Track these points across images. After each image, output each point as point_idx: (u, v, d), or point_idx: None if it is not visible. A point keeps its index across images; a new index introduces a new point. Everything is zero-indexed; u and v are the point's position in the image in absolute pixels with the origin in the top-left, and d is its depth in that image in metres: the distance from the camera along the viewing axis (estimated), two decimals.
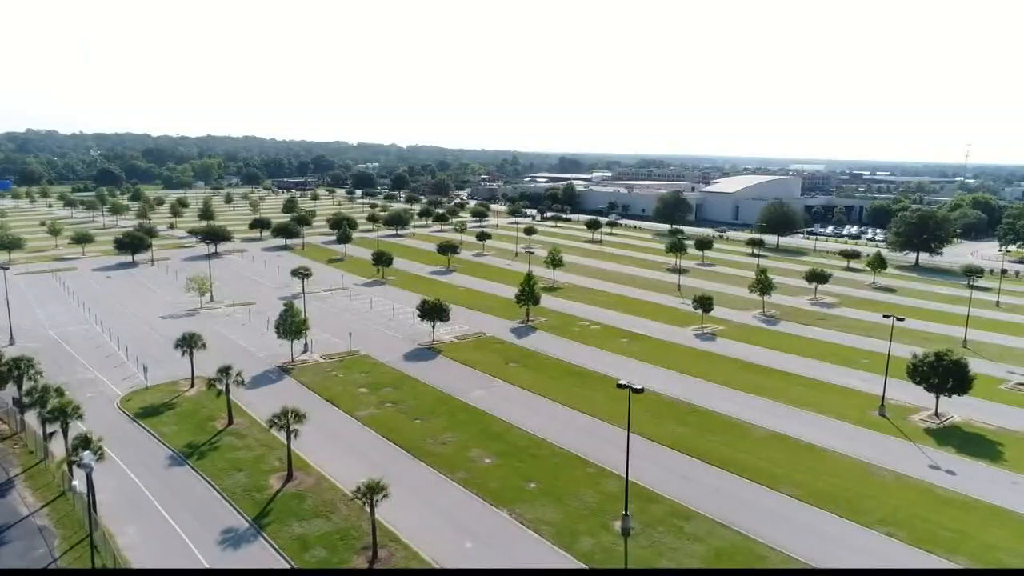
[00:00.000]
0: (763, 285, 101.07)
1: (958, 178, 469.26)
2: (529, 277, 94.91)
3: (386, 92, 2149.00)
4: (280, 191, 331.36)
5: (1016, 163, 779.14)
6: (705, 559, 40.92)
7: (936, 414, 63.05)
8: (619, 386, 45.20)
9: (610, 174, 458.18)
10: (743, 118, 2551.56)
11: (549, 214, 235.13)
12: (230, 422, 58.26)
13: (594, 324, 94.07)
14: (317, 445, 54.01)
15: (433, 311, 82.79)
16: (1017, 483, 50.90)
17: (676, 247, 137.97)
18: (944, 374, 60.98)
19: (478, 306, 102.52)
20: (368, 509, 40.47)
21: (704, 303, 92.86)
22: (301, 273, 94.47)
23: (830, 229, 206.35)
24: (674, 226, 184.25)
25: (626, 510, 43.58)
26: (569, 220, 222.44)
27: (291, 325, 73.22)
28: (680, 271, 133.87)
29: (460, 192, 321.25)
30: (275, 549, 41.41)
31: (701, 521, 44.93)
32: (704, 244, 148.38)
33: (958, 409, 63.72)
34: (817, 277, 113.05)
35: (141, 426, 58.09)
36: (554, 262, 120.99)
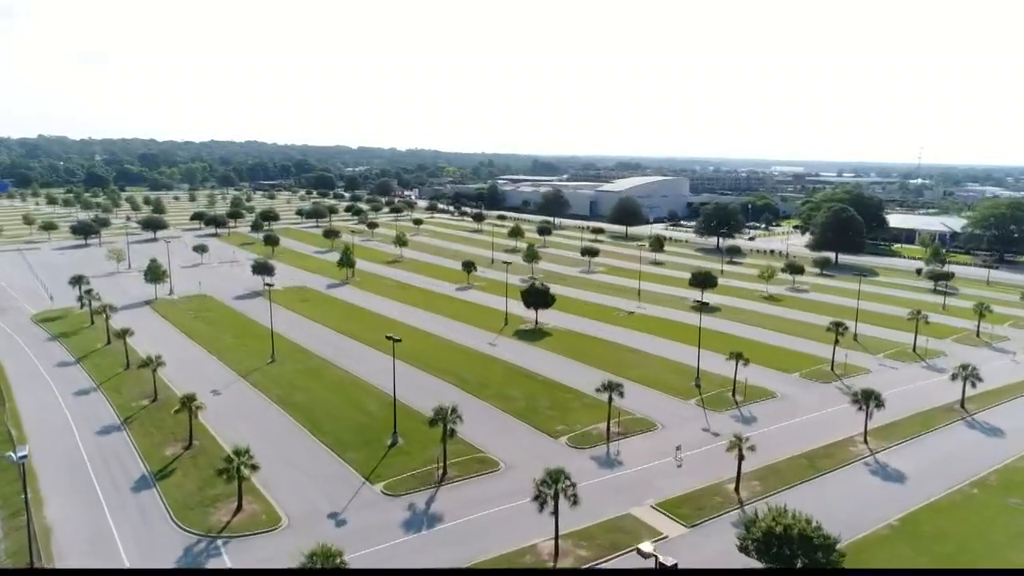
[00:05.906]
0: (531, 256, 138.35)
1: (918, 180, 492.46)
2: (347, 248, 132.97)
3: (389, 96, 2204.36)
4: (255, 192, 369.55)
5: (967, 163, 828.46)
6: None
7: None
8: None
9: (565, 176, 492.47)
10: (741, 121, 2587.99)
11: (466, 210, 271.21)
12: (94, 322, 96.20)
13: (388, 279, 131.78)
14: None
15: (263, 269, 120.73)
16: None
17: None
18: None
19: (307, 268, 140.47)
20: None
21: (468, 267, 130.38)
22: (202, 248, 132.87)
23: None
24: (545, 217, 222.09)
25: None
26: (467, 214, 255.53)
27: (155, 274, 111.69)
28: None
29: (409, 192, 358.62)
30: None
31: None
32: (545, 231, 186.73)
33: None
34: (590, 252, 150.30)
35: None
36: (400, 241, 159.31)
